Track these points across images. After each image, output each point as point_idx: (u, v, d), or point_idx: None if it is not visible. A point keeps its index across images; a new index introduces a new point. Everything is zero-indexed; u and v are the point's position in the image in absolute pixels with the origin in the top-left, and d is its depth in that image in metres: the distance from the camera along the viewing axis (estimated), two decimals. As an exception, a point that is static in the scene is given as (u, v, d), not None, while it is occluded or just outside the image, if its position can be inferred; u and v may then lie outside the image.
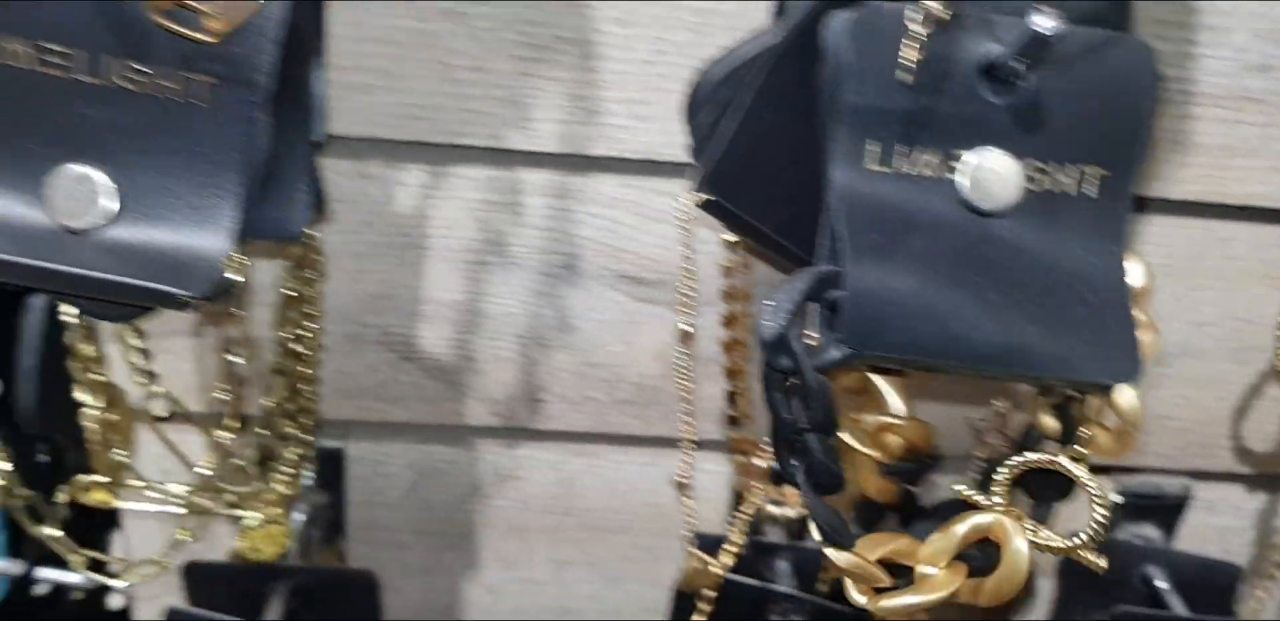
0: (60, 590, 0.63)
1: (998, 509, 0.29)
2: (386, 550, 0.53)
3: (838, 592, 0.49)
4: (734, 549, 0.42)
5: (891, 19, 0.27)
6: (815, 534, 0.29)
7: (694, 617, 0.42)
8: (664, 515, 0.53)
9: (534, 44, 0.43)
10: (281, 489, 0.43)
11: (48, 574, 0.62)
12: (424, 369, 0.49)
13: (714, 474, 0.52)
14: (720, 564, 0.41)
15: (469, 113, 0.44)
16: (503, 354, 0.49)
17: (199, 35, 0.28)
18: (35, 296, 0.49)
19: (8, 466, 0.43)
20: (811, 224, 0.31)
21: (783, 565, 0.50)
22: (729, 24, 0.42)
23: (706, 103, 0.31)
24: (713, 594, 0.42)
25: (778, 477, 0.48)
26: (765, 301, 0.27)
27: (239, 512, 0.43)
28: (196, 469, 0.42)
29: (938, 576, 0.28)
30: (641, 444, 0.52)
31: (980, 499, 0.29)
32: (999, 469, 0.29)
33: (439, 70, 0.43)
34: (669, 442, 0.51)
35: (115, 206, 0.29)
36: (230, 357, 0.38)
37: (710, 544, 0.50)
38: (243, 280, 0.30)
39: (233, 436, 0.39)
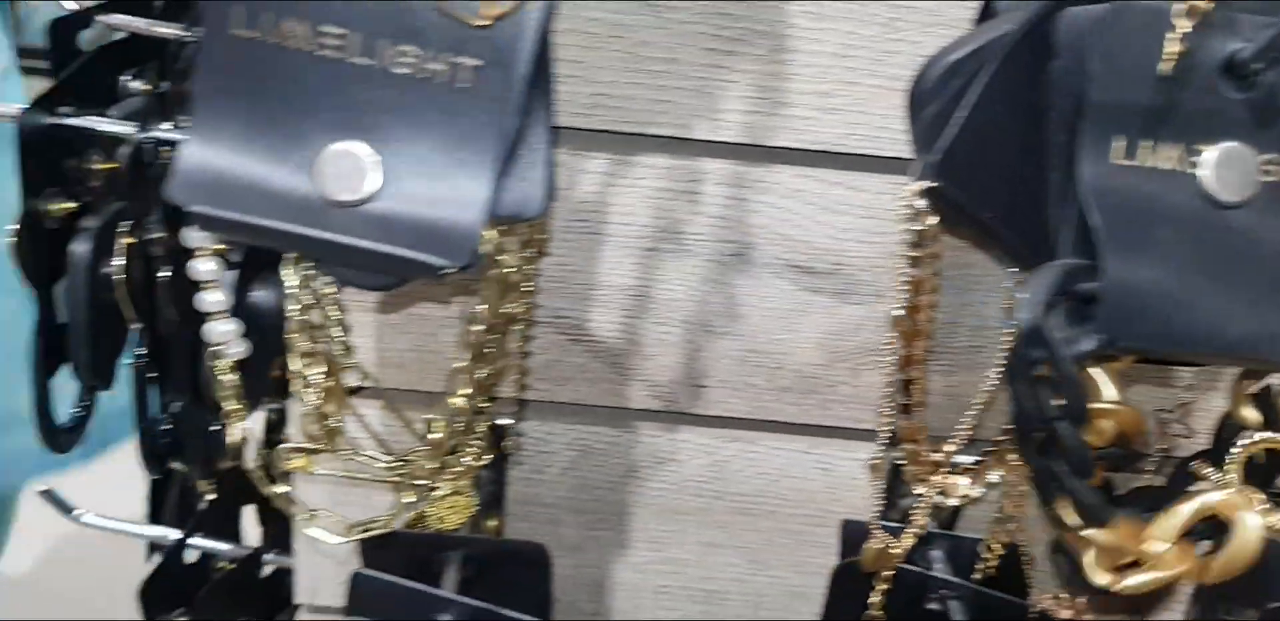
0: (207, 558, 0.65)
1: (1229, 487, 0.30)
2: (542, 525, 0.55)
3: (991, 581, 0.50)
4: (916, 530, 0.43)
5: (1142, 15, 0.28)
6: (1061, 514, 0.30)
7: (872, 597, 0.43)
8: (814, 502, 0.54)
9: (726, 37, 0.44)
10: (470, 461, 0.44)
11: (199, 542, 0.64)
12: (591, 351, 0.51)
13: (865, 463, 0.53)
14: (902, 545, 0.42)
15: (658, 103, 0.45)
16: (668, 339, 0.50)
17: (472, 19, 0.29)
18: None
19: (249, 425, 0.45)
20: (1030, 214, 0.32)
21: (936, 553, 0.51)
22: (921, 19, 0.43)
23: (934, 94, 0.32)
24: (890, 573, 0.43)
25: (933, 466, 0.49)
26: (1019, 294, 0.28)
27: (430, 482, 0.44)
28: (392, 443, 0.44)
29: (1171, 554, 0.29)
30: (797, 431, 0.53)
31: (1212, 476, 0.30)
32: (1231, 448, 0.30)
33: (631, 61, 0.44)
34: (824, 431, 0.53)
35: (380, 181, 0.31)
36: (471, 328, 0.39)
37: (863, 528, 0.51)
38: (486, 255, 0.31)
39: (461, 404, 0.41)
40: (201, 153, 0.31)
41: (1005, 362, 0.28)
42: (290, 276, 0.38)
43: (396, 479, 0.44)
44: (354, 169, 0.30)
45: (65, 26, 0.51)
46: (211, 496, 0.64)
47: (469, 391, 0.40)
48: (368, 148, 0.31)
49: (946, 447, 0.48)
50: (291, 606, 0.68)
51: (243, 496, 0.72)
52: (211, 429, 0.55)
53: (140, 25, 0.45)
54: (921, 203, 0.34)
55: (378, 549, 0.48)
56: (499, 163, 0.31)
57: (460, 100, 0.30)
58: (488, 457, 0.46)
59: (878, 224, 0.47)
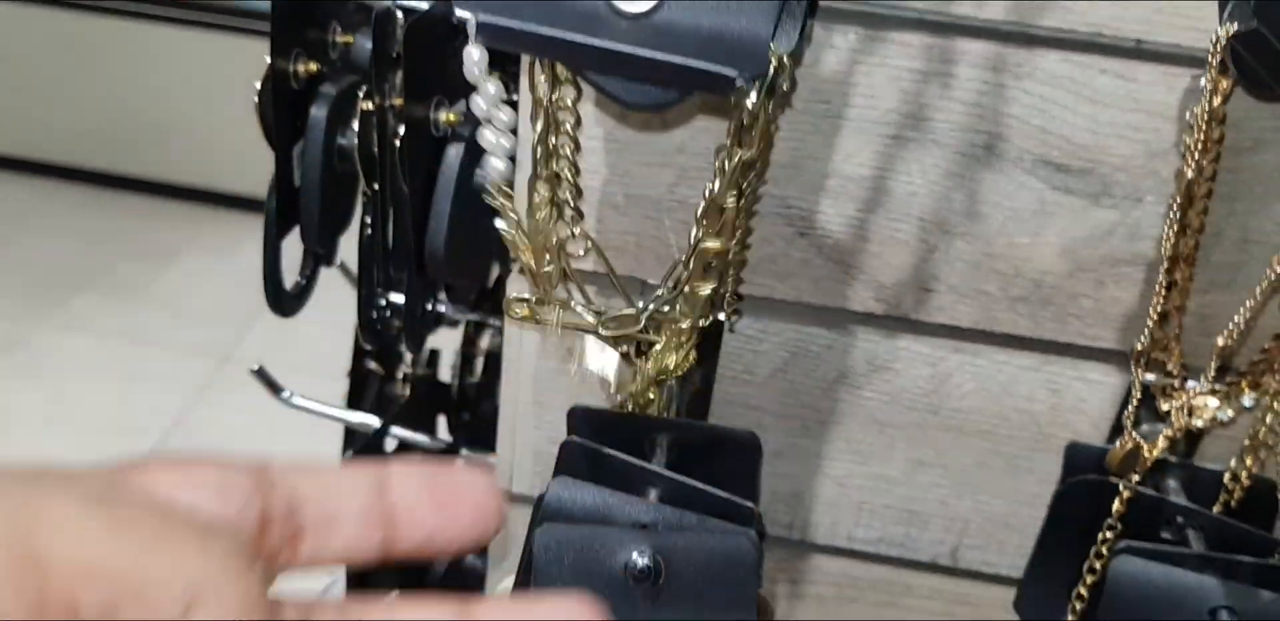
0: (404, 446, 0.66)
1: None
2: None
3: (1234, 516, 0.46)
4: (1170, 433, 0.40)
5: None
6: None
7: (1115, 505, 0.40)
8: (1035, 423, 0.51)
9: (1002, -97, 0.41)
10: (689, 323, 0.43)
11: (399, 431, 0.65)
12: (817, 246, 0.49)
13: (1100, 384, 0.50)
14: (1157, 447, 0.39)
15: (919, -26, 0.43)
16: (900, 236, 0.48)
17: None
18: (453, 147, 0.52)
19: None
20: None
21: (1172, 484, 0.47)
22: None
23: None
24: (1138, 477, 0.40)
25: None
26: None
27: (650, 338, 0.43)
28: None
29: None
30: (1027, 346, 0.50)
31: None
32: None
33: (895, -71, 0.42)
34: (1057, 347, 0.50)
35: (661, -8, 0.29)
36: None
37: (1090, 454, 0.48)
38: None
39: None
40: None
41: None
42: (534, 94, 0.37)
43: (621, 333, 0.43)
44: (636, -22, 0.29)
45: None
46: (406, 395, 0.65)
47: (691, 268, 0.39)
48: (648, -43, 0.29)
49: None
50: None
51: (436, 404, 0.73)
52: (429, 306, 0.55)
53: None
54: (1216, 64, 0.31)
55: (585, 426, 0.48)
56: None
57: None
58: (704, 322, 0.44)
59: (1144, 119, 0.44)
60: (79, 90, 2.42)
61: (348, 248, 0.64)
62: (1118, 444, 0.43)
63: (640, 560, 0.40)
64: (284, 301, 0.56)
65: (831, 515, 0.55)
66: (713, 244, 0.40)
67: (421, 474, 0.28)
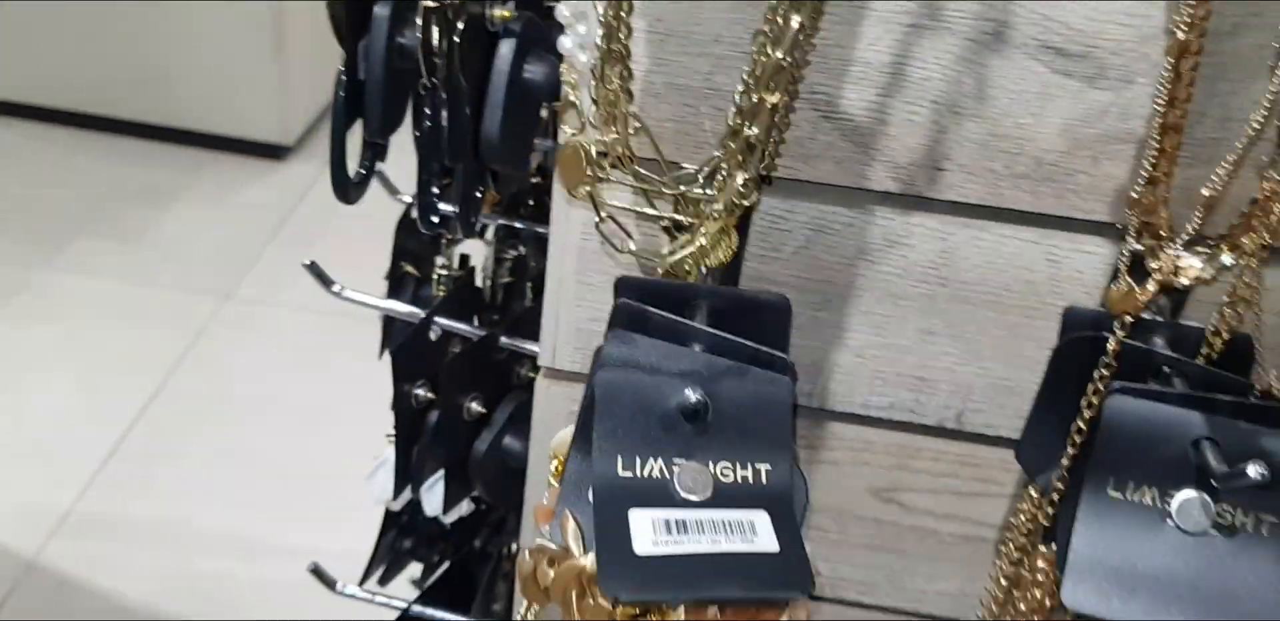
0: (448, 337, 0.71)
1: None
2: (772, 303, 0.58)
3: (1210, 363, 0.52)
4: (1161, 278, 0.45)
5: None
6: None
7: (1110, 345, 0.45)
8: (1035, 293, 0.56)
9: None
10: (738, 199, 0.48)
11: (442, 321, 0.70)
12: (840, 129, 0.54)
13: (1094, 255, 0.55)
14: (1145, 291, 0.45)
15: (937, -128, 0.47)
16: (916, 119, 0.53)
17: None
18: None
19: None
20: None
21: (1159, 340, 0.53)
22: None
23: None
24: (1130, 319, 0.45)
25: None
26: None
27: (691, 219, 0.48)
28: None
29: None
30: (1029, 221, 0.55)
31: None
32: None
33: None
34: (1056, 221, 0.55)
35: None
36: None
37: (1085, 317, 0.53)
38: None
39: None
40: None
41: None
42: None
43: (672, 215, 0.48)
44: None
45: None
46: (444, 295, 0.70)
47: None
48: None
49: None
50: (519, 388, 0.73)
51: (469, 303, 0.78)
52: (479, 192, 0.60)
53: None
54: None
55: (630, 293, 0.52)
56: None
57: None
58: (755, 195, 0.49)
59: (1136, 5, 0.49)
60: (79, 35, 2.43)
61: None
62: (1113, 288, 0.48)
63: (693, 396, 0.46)
64: (348, 189, 0.60)
65: (848, 383, 0.61)
66: (751, 130, 0.45)
67: None
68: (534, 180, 0.85)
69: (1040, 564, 0.52)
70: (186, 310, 2.19)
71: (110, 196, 2.44)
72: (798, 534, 0.46)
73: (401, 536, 0.96)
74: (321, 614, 1.60)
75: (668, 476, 0.45)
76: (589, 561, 0.43)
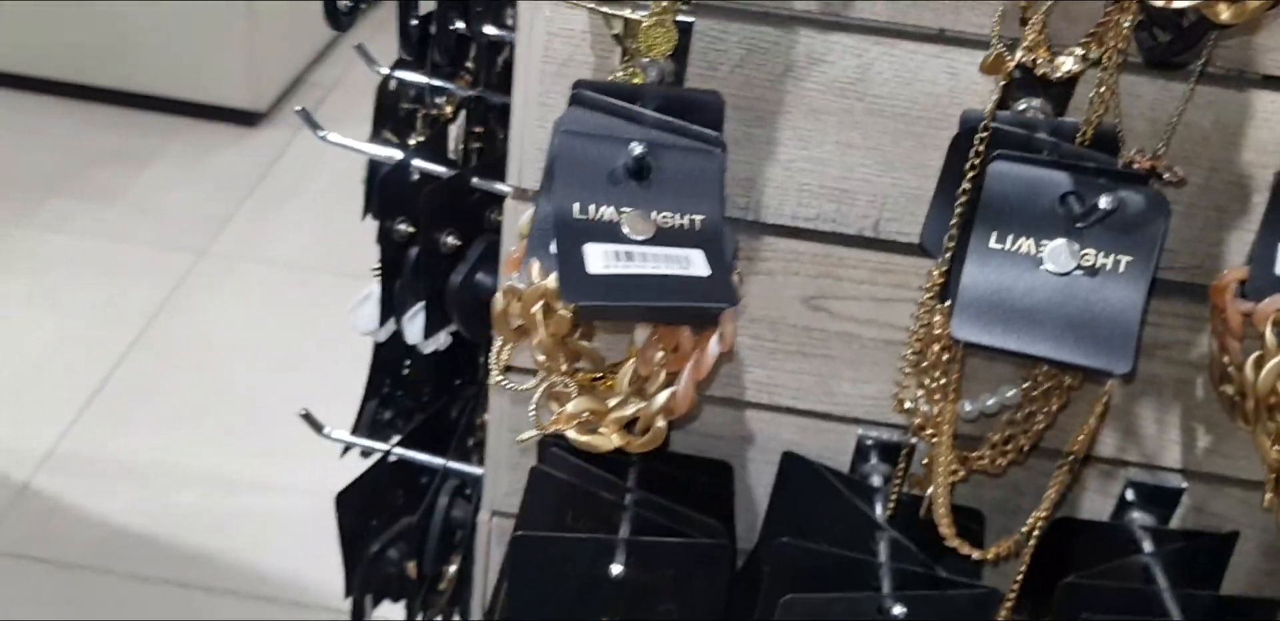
0: (425, 180, 0.79)
1: None
2: (711, 118, 0.67)
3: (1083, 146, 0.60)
4: (1032, 53, 0.54)
5: None
6: None
7: (988, 106, 0.54)
8: (938, 106, 0.65)
9: None
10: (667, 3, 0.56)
11: (419, 163, 0.78)
12: (766, -46, 0.62)
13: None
14: (1016, 59, 0.53)
15: None
16: (831, -55, 0.62)
17: None
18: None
19: None
20: None
21: (1041, 134, 0.61)
22: None
23: None
24: (1004, 81, 0.54)
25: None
26: None
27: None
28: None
29: None
30: (931, 39, 0.64)
31: None
32: None
33: None
34: (954, 39, 0.63)
35: None
36: None
37: (978, 116, 0.62)
38: None
39: None
40: None
41: None
42: None
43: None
44: None
45: None
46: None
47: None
48: None
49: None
50: (489, 231, 0.81)
51: (443, 158, 0.86)
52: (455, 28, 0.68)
53: None
54: None
55: (586, 89, 0.60)
56: None
57: None
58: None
59: None
60: (51, 2, 2.49)
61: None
62: (988, 55, 0.57)
63: (637, 148, 0.54)
64: (339, 18, 0.68)
65: (778, 197, 0.69)
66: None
67: None
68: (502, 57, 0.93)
69: (938, 318, 0.61)
70: (163, 265, 2.25)
71: (85, 160, 2.50)
72: (726, 265, 0.54)
73: (382, 408, 1.03)
74: (296, 543, 1.67)
75: (616, 220, 0.54)
76: (552, 281, 0.52)
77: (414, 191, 0.78)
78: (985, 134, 0.58)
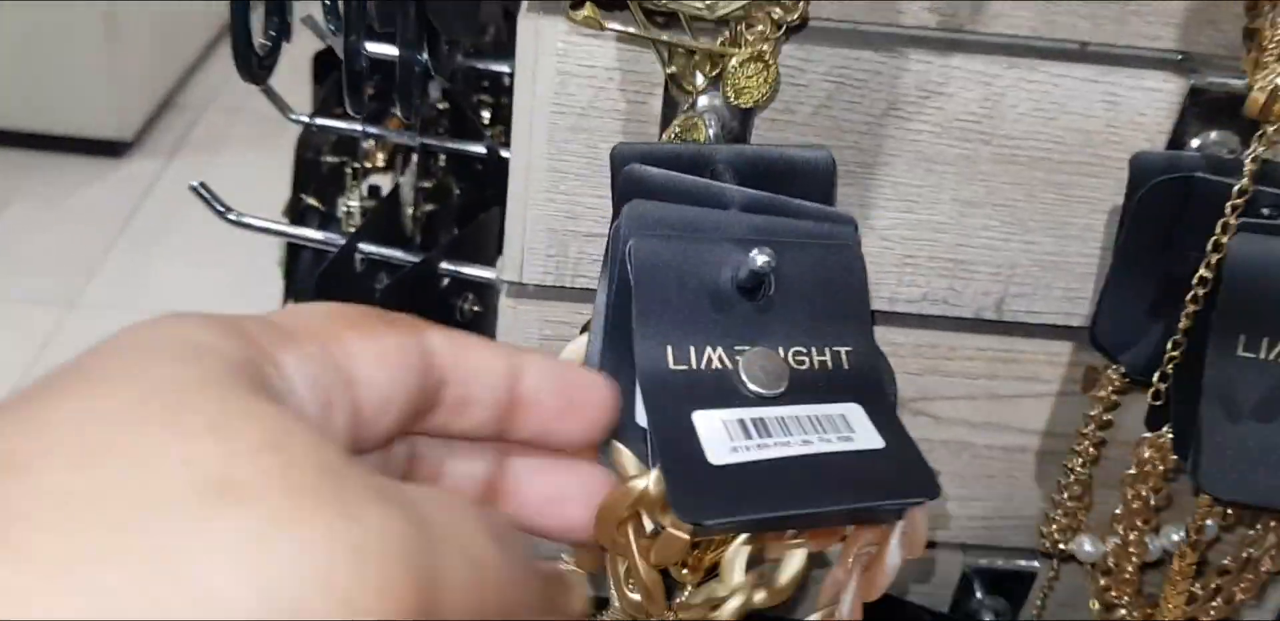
0: (374, 269, 0.60)
1: None
2: (786, 177, 0.49)
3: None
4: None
5: None
6: None
7: (1247, 166, 0.37)
8: (1089, 144, 0.48)
9: None
10: (767, 31, 0.38)
11: (368, 248, 0.59)
12: (865, -49, 0.45)
13: (1158, 93, 0.47)
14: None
15: None
16: (954, -65, 0.44)
17: None
18: None
19: None
20: None
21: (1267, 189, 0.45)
22: None
23: None
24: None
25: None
26: None
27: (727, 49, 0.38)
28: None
29: None
30: (1085, 58, 0.47)
31: None
32: None
33: None
34: (1114, 59, 0.47)
35: None
36: None
37: (1157, 161, 0.46)
38: None
39: None
40: None
41: None
42: None
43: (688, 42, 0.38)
44: None
45: None
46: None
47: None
48: None
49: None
50: (460, 325, 0.63)
51: (394, 237, 0.67)
52: None
53: None
54: None
55: (633, 160, 0.42)
56: None
57: None
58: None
59: None
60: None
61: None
62: (1255, 87, 0.40)
63: (759, 258, 0.35)
64: (252, 66, 0.49)
65: (873, 275, 0.52)
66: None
67: (554, 368, 0.29)
68: (441, 106, 0.74)
69: (1147, 453, 0.44)
70: (27, 321, 1.99)
71: (-71, 205, 2.21)
72: (900, 424, 0.36)
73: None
74: None
75: (731, 367, 0.35)
76: (650, 481, 0.33)
77: (360, 284, 0.58)
78: (1239, 200, 0.41)
